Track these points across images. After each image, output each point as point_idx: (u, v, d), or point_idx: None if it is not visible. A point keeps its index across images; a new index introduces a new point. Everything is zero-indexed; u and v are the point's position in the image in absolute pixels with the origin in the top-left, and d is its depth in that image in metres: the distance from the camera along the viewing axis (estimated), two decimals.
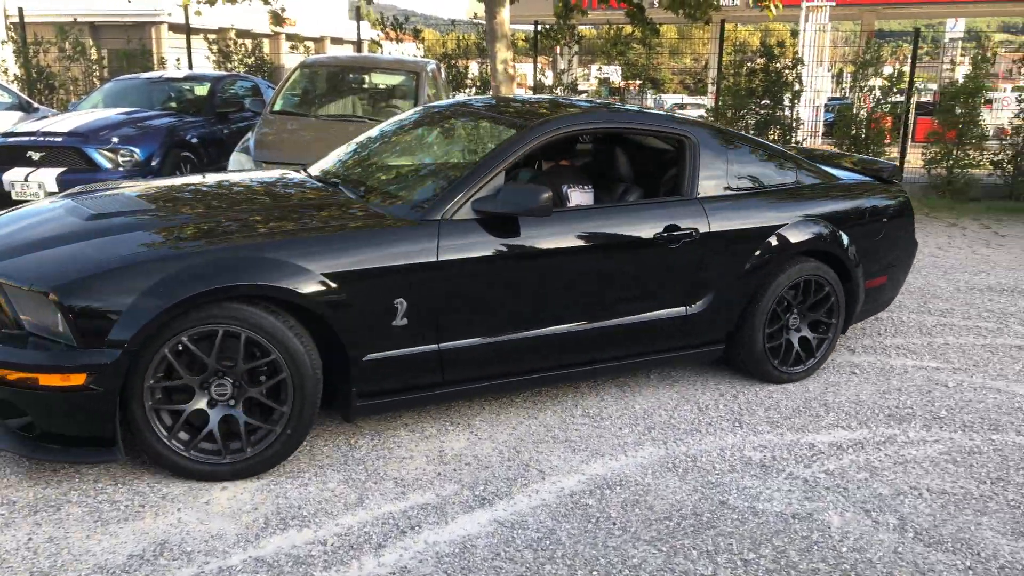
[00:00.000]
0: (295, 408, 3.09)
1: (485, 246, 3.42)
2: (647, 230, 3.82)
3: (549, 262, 3.61)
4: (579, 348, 3.79)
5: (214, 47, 14.10)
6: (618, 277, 3.81)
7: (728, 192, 4.17)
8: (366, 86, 8.98)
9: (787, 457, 3.45)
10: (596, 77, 13.57)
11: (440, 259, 3.30)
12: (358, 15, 14.56)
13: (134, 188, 3.95)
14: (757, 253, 4.10)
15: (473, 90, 12.91)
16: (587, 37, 23.23)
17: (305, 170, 4.42)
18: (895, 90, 12.50)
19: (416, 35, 13.06)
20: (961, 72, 21.21)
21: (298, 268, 3.04)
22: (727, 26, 12.44)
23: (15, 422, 2.96)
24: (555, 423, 3.75)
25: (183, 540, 2.71)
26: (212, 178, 4.33)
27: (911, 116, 12.83)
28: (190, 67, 13.40)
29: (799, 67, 12.02)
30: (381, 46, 13.56)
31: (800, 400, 4.09)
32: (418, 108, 5.25)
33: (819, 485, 3.20)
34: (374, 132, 4.76)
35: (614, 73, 13.52)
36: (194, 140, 8.34)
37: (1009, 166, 11.06)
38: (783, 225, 4.18)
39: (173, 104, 9.15)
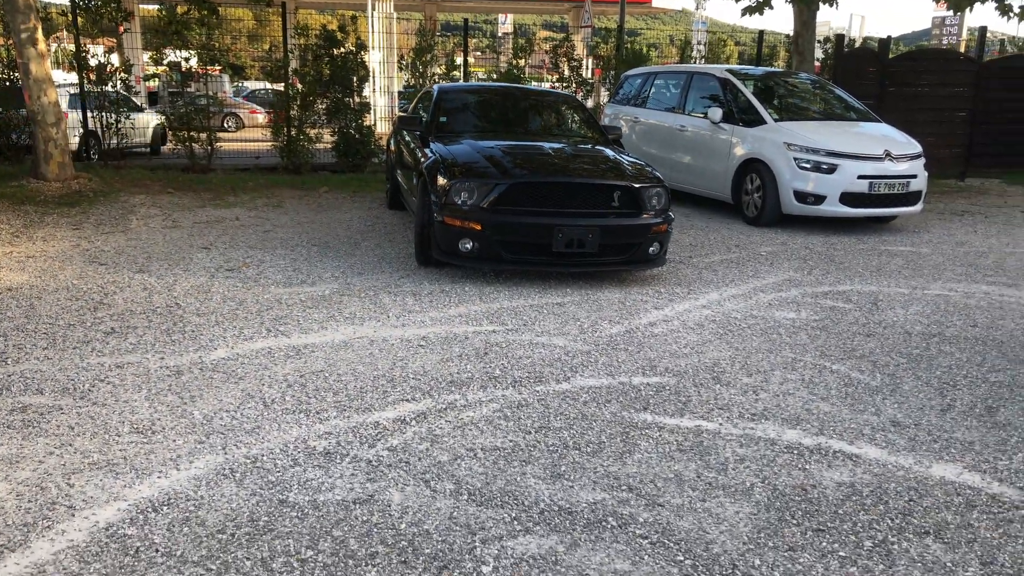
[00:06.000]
0: None
1: None
2: None
3: None
4: None
5: None
6: None
7: None
8: None
9: (352, 440, 3.39)
10: (169, 61, 12.34)
11: None
12: None
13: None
14: None
15: None
16: (152, 16, 21.26)
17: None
18: (451, 76, 13.37)
19: None
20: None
21: None
22: (300, 12, 12.20)
23: (653, 250, 6.15)
24: (95, 447, 3.27)
25: None
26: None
27: None
28: None
29: (363, 53, 12.24)
30: None
31: (368, 379, 4.08)
32: None
33: (382, 464, 3.19)
34: None
35: (180, 56, 12.40)
36: None
37: None
38: None
39: None
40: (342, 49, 11.91)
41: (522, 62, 13.61)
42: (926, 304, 5.85)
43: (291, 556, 2.56)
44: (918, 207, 8.78)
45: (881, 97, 12.95)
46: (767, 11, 12.52)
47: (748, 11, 12.15)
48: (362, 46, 12.28)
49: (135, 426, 3.48)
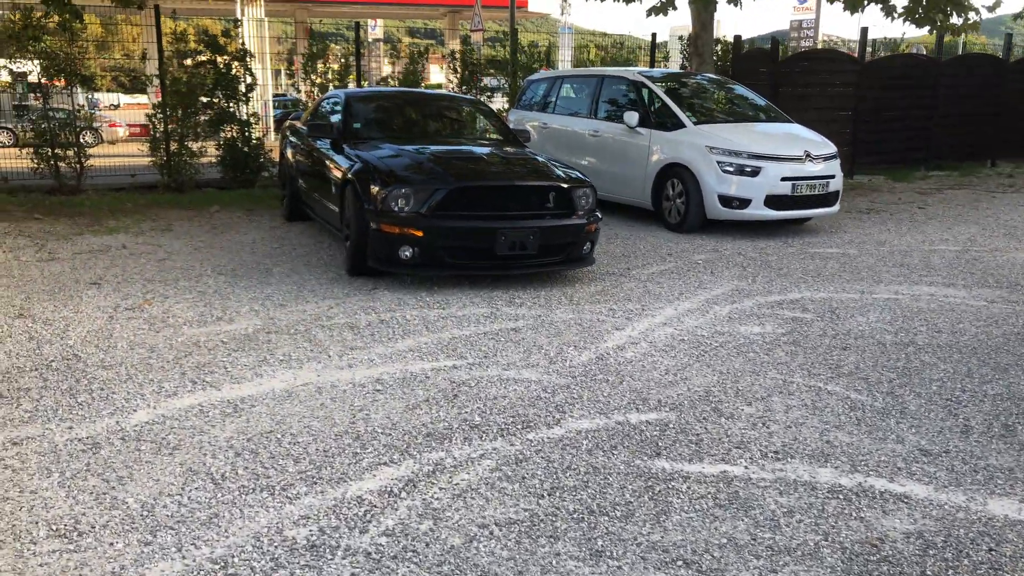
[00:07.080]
0: None
1: None
2: None
3: None
4: None
5: None
6: None
7: None
8: None
9: (337, 525, 2.81)
10: (10, 72, 11.08)
11: None
12: None
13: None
14: None
15: None
16: None
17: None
18: (346, 82, 12.66)
19: None
20: (387, 70, 22.55)
21: None
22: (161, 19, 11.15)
23: (586, 250, 6.30)
24: (5, 564, 2.55)
25: None
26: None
27: None
28: None
29: (248, 59, 11.35)
30: None
31: (330, 439, 3.49)
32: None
33: (384, 555, 2.63)
34: None
35: (30, 67, 11.13)
36: None
37: None
38: None
39: None
40: (225, 56, 11.00)
41: (419, 67, 13.02)
42: (882, 310, 5.73)
43: None
44: (836, 208, 8.82)
45: (774, 97, 13.14)
46: (661, 12, 12.49)
47: (653, 11, 12.07)
48: (246, 52, 11.37)
49: (54, 527, 2.77)
